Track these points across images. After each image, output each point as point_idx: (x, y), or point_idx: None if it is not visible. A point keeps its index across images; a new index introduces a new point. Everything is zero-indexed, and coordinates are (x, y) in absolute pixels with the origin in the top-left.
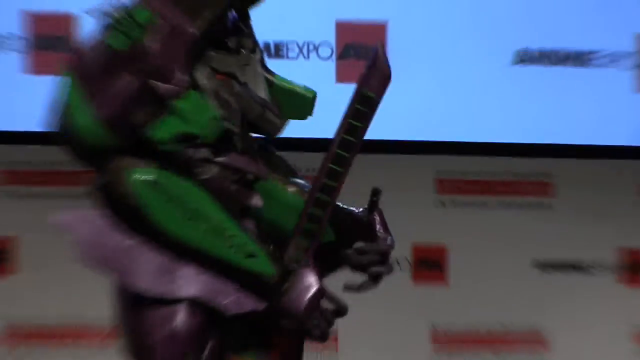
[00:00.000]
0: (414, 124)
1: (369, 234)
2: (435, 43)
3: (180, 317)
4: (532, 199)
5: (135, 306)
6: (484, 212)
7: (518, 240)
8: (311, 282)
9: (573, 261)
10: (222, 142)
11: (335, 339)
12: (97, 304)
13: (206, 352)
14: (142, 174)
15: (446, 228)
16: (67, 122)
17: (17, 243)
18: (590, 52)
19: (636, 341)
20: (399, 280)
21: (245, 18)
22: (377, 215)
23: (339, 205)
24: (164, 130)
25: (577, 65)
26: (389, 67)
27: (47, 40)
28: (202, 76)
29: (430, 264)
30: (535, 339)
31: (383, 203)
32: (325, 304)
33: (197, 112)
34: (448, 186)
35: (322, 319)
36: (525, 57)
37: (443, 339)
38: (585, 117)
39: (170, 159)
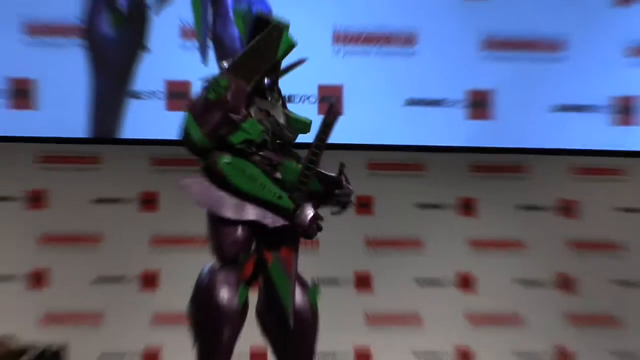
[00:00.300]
0: None
1: (340, 185)
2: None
3: (240, 232)
4: None
5: (218, 224)
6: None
7: None
8: (310, 210)
9: None
10: (263, 145)
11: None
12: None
13: (252, 249)
14: (225, 159)
15: None
16: (187, 136)
17: None
18: None
19: None
20: None
21: (275, 81)
22: (343, 176)
23: (323, 172)
24: (237, 138)
25: None
26: (336, 112)
27: (177, 94)
28: (254, 112)
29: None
30: None
31: None
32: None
33: (253, 129)
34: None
35: (316, 229)
36: None
37: None
38: None
39: (239, 153)
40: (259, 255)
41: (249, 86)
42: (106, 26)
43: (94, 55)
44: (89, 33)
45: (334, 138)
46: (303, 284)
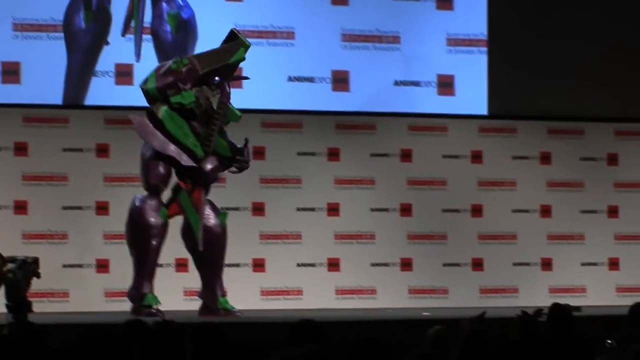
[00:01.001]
0: None
1: (243, 153)
2: None
3: (160, 167)
4: None
5: (146, 162)
6: None
7: None
8: (213, 162)
9: None
10: (192, 115)
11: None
12: None
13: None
14: (164, 107)
15: None
16: (145, 84)
17: None
18: None
19: None
20: None
21: (222, 81)
22: (246, 147)
23: (233, 143)
24: (175, 99)
25: None
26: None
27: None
28: (196, 90)
29: None
30: None
31: None
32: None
33: (188, 97)
34: None
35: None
36: None
37: None
38: None
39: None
40: (175, 185)
41: (202, 71)
42: (80, 20)
43: (70, 41)
44: (67, 25)
45: (238, 104)
46: (215, 209)
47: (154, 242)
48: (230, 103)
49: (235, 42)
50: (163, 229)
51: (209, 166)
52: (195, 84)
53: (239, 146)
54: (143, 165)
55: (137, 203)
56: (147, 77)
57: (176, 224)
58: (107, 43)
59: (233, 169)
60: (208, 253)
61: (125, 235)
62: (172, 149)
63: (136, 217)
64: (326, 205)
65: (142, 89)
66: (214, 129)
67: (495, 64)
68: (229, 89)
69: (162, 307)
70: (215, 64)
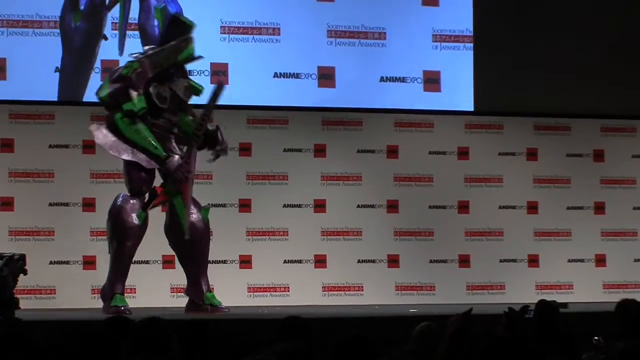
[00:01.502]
0: None
1: (217, 140)
2: None
3: (143, 171)
4: None
5: (129, 166)
6: None
7: None
8: (176, 161)
9: None
10: (164, 110)
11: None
12: None
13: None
14: (119, 115)
15: None
16: (99, 91)
17: None
18: None
19: None
20: None
21: (178, 70)
22: (220, 134)
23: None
24: (126, 106)
25: None
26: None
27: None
28: (152, 87)
29: None
30: None
31: None
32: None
33: (139, 104)
34: None
35: (182, 175)
36: None
37: None
38: None
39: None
40: (152, 189)
41: (151, 74)
42: (70, 20)
43: (63, 40)
44: (61, 24)
45: (225, 100)
46: (197, 205)
47: (128, 244)
48: (190, 81)
49: (181, 40)
50: (140, 231)
51: (173, 166)
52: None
53: (210, 128)
54: (125, 170)
55: (118, 202)
56: (102, 85)
57: (159, 223)
58: (106, 38)
59: (210, 157)
60: (192, 249)
61: (106, 231)
62: (130, 156)
63: (115, 217)
64: (313, 202)
65: (97, 98)
66: (203, 124)
67: (481, 60)
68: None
69: (149, 303)
70: (165, 62)
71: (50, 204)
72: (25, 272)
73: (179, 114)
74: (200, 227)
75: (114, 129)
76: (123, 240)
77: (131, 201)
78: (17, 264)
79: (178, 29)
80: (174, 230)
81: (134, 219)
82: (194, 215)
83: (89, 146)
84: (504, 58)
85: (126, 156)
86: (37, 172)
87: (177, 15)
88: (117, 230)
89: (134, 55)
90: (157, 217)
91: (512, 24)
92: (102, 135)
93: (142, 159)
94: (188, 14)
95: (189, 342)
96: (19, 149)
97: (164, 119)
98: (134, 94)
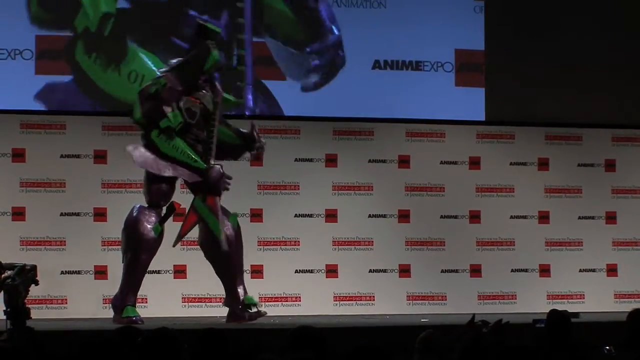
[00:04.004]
0: None
1: (254, 138)
2: None
3: (163, 185)
4: None
5: (150, 179)
6: None
7: None
8: (219, 170)
9: None
10: (193, 125)
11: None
12: None
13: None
14: (155, 133)
15: None
16: (132, 112)
17: None
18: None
19: None
20: None
21: (206, 81)
22: (255, 130)
23: (240, 130)
24: (163, 123)
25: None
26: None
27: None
28: (184, 102)
29: None
30: None
31: None
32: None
33: (175, 119)
34: None
35: (225, 185)
36: None
37: None
38: None
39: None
40: (169, 204)
41: (181, 87)
42: None
43: None
44: None
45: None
46: (227, 214)
47: (143, 256)
48: (223, 96)
49: (200, 49)
50: (155, 243)
51: (214, 175)
52: (181, 95)
53: (244, 131)
54: (146, 181)
55: (135, 213)
56: (134, 107)
57: (169, 232)
58: None
59: (247, 155)
60: (228, 260)
61: (120, 241)
62: (172, 172)
63: (130, 228)
64: (324, 212)
65: (132, 120)
66: (212, 131)
67: (493, 69)
68: (219, 86)
69: (160, 313)
70: (192, 77)
71: (61, 214)
72: (36, 283)
73: (214, 127)
74: (233, 238)
75: (151, 147)
76: (138, 252)
77: (147, 212)
78: (29, 274)
79: (204, 37)
80: (210, 244)
81: (150, 231)
82: (227, 227)
83: (100, 156)
84: (516, 67)
85: (168, 172)
86: (49, 182)
87: (201, 22)
88: (132, 242)
89: (161, 71)
90: (170, 227)
91: (524, 33)
92: (139, 155)
93: (183, 173)
94: None
95: (200, 352)
96: (30, 159)
97: (191, 134)
98: (167, 110)
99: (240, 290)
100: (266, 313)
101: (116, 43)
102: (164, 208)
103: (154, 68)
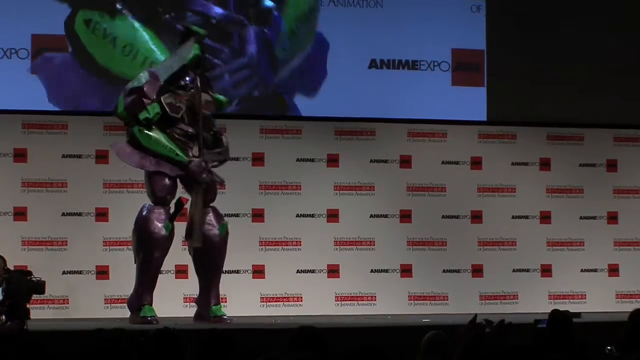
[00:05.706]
0: None
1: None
2: None
3: (166, 180)
4: None
5: (151, 175)
6: None
7: None
8: (200, 163)
9: None
10: (180, 120)
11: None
12: None
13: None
14: (137, 127)
15: None
16: (116, 108)
17: None
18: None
19: None
20: None
21: (194, 79)
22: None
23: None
24: (142, 115)
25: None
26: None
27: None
28: (166, 96)
29: None
30: None
31: None
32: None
33: (152, 110)
34: None
35: (206, 179)
36: None
37: None
38: None
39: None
40: (178, 200)
41: (162, 80)
42: None
43: None
44: None
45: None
46: (218, 218)
47: (156, 254)
48: (212, 94)
49: (188, 42)
50: (167, 241)
51: (194, 168)
52: (164, 90)
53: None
54: (147, 181)
55: (144, 212)
56: (117, 102)
57: (182, 232)
58: None
59: (215, 162)
60: (206, 260)
61: (132, 242)
62: (153, 164)
63: (141, 228)
64: (326, 212)
65: (116, 115)
66: (198, 126)
67: (494, 69)
68: (199, 82)
69: (162, 313)
70: (174, 65)
71: (63, 214)
72: (42, 292)
73: (199, 122)
74: (216, 242)
75: (134, 142)
76: (150, 251)
77: (156, 211)
78: (32, 282)
79: (189, 38)
80: (190, 238)
81: (161, 229)
82: (213, 230)
83: (102, 156)
84: (517, 67)
85: (151, 167)
86: (50, 182)
87: (188, 25)
88: (144, 242)
89: (149, 69)
90: (176, 226)
91: (525, 33)
92: (123, 151)
93: (165, 167)
94: None
95: (202, 353)
96: (32, 159)
97: (179, 129)
98: (147, 102)
99: (212, 295)
100: (231, 321)
101: (113, 16)
102: (172, 205)
103: (152, 46)
